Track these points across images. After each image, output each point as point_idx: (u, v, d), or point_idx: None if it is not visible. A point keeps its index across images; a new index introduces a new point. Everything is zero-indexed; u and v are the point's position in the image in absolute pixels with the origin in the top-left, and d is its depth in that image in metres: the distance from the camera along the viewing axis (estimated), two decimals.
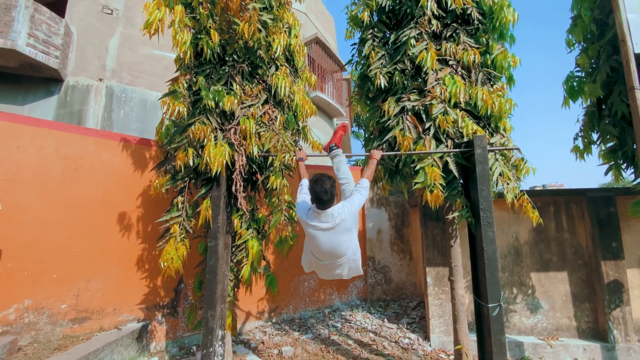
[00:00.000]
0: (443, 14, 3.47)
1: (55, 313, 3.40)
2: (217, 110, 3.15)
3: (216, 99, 3.06)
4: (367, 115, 3.86)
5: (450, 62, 3.34)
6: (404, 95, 3.33)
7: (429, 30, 3.42)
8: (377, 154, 2.78)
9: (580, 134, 4.35)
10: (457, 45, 3.34)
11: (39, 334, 3.28)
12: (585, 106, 4.31)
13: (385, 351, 4.10)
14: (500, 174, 3.10)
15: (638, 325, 4.25)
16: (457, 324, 3.40)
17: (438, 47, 3.39)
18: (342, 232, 2.25)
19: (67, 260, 3.52)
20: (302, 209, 2.36)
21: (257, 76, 3.48)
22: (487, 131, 3.23)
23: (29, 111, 6.06)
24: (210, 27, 3.15)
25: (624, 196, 4.40)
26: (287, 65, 3.67)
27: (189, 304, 4.20)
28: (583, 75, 4.26)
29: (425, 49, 3.27)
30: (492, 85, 3.36)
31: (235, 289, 3.46)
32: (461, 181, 3.16)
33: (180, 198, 3.35)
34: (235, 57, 3.34)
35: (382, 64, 3.49)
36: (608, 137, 4.03)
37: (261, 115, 3.33)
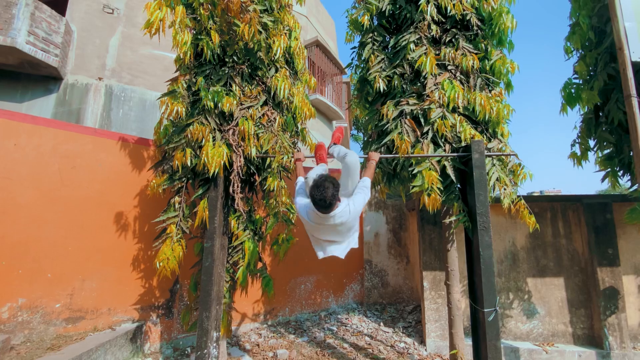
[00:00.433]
0: (443, 19, 3.50)
1: (49, 312, 3.38)
2: (216, 111, 3.15)
3: (215, 99, 3.07)
4: (366, 118, 3.87)
5: (449, 67, 3.36)
6: (402, 99, 3.35)
7: (429, 35, 3.44)
8: (376, 155, 2.79)
9: (577, 141, 4.37)
10: (456, 50, 3.36)
11: (32, 333, 3.25)
12: (583, 113, 4.34)
13: (381, 355, 4.09)
14: (497, 179, 3.11)
15: (633, 332, 4.26)
16: (453, 328, 3.40)
17: (437, 52, 3.41)
18: (343, 231, 2.27)
19: (62, 259, 3.50)
20: (302, 209, 2.33)
21: (257, 78, 3.49)
22: (484, 136, 3.25)
23: (27, 109, 6.04)
24: (210, 28, 3.16)
25: (620, 203, 4.42)
26: (287, 68, 3.68)
27: (184, 305, 4.18)
28: (581, 82, 4.29)
29: (425, 53, 3.29)
30: (490, 91, 3.38)
31: (231, 291, 3.44)
32: (458, 186, 3.17)
33: (177, 198, 3.34)
34: (235, 58, 3.35)
35: (381, 67, 3.50)
36: (605, 144, 4.05)
37: (260, 117, 3.33)
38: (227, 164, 3.06)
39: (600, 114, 4.12)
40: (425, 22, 3.42)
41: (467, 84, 3.35)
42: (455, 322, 3.40)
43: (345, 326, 5.04)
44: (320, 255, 2.41)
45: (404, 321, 5.24)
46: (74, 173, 3.68)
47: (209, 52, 3.15)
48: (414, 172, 3.08)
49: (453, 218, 3.05)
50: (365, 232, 6.23)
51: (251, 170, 3.43)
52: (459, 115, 3.18)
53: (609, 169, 4.08)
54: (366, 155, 2.99)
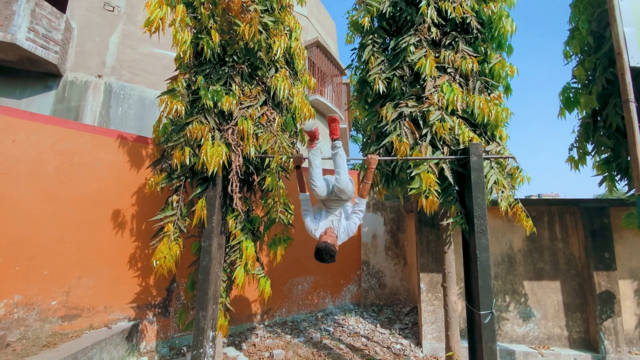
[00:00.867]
0: (443, 22, 3.51)
1: (45, 309, 3.37)
2: (215, 110, 3.15)
3: (215, 98, 3.07)
4: (365, 119, 3.88)
5: (449, 70, 3.37)
6: (402, 101, 3.35)
7: (429, 38, 3.45)
8: (374, 161, 2.79)
9: (575, 145, 4.38)
10: (456, 53, 3.37)
11: (28, 330, 3.24)
12: (581, 117, 4.35)
13: (377, 356, 4.09)
14: (495, 182, 3.12)
15: (629, 336, 4.27)
16: (449, 330, 3.40)
17: (437, 55, 3.42)
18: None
19: (59, 256, 3.49)
20: (311, 224, 2.69)
21: (257, 77, 3.49)
22: (483, 139, 3.26)
23: (26, 105, 6.03)
24: (211, 27, 3.16)
25: (617, 207, 4.44)
26: (287, 68, 3.68)
27: (180, 304, 4.17)
28: (579, 86, 4.30)
29: (424, 56, 3.30)
30: (489, 94, 3.39)
31: (228, 290, 3.44)
32: (456, 188, 3.18)
33: (175, 197, 3.34)
34: (235, 58, 3.35)
35: (381, 69, 3.51)
36: (603, 148, 4.07)
37: (259, 117, 3.33)
38: (225, 163, 3.05)
39: (599, 118, 4.14)
40: (426, 25, 3.43)
41: (466, 87, 3.36)
42: (451, 324, 3.40)
43: (342, 327, 5.04)
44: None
45: (400, 323, 5.24)
46: (72, 170, 3.68)
47: (209, 51, 3.15)
48: (412, 174, 3.08)
49: (450, 220, 3.06)
50: (363, 233, 6.23)
51: (250, 170, 3.43)
52: (457, 118, 3.18)
53: (607, 174, 4.10)
54: (365, 158, 3.00)
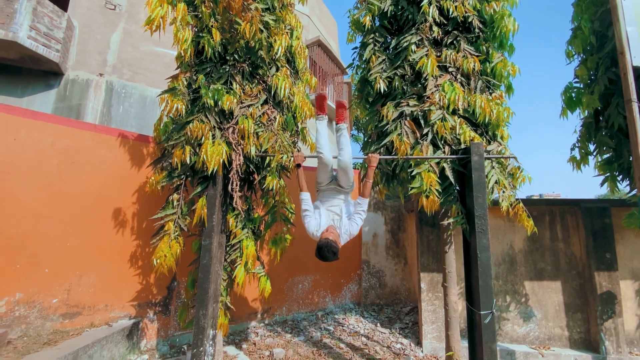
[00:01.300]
0: (444, 21, 3.50)
1: (46, 307, 3.38)
2: (216, 109, 3.15)
3: (215, 97, 3.06)
4: (366, 119, 3.87)
5: (450, 69, 3.36)
6: (403, 101, 3.34)
7: (430, 37, 3.44)
8: (375, 160, 2.80)
9: (577, 145, 4.36)
10: (458, 52, 3.36)
11: (29, 328, 3.25)
12: (583, 117, 4.33)
13: (377, 356, 4.09)
14: (496, 182, 3.11)
15: (630, 337, 4.26)
16: (450, 330, 3.40)
17: (438, 54, 3.40)
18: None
19: (60, 254, 3.50)
20: (312, 224, 2.65)
21: (258, 76, 3.49)
22: (484, 139, 3.25)
23: (28, 104, 6.04)
24: (212, 25, 3.16)
25: (619, 207, 4.42)
26: (288, 67, 3.68)
27: (181, 302, 4.18)
28: (581, 86, 4.28)
29: (426, 55, 3.29)
30: (490, 94, 3.38)
31: (229, 289, 3.45)
32: (457, 188, 3.17)
33: (176, 195, 3.34)
34: (236, 56, 3.35)
35: (382, 68, 3.50)
36: (604, 148, 4.05)
37: (260, 116, 3.33)
38: (226, 162, 3.06)
39: (601, 118, 4.12)
40: (427, 24, 3.41)
41: (468, 86, 3.35)
42: (451, 324, 3.40)
43: (342, 326, 5.05)
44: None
45: (400, 322, 5.24)
46: (73, 168, 3.68)
47: (210, 50, 3.14)
48: (413, 173, 3.08)
49: (451, 220, 3.05)
50: (363, 232, 6.23)
51: (250, 169, 3.43)
52: (459, 118, 3.17)
53: (608, 174, 4.08)
54: (365, 157, 2.99)
